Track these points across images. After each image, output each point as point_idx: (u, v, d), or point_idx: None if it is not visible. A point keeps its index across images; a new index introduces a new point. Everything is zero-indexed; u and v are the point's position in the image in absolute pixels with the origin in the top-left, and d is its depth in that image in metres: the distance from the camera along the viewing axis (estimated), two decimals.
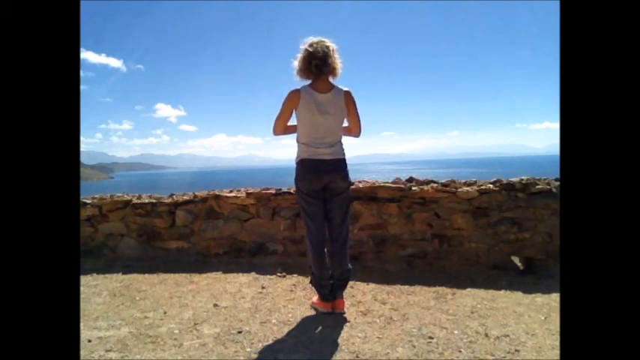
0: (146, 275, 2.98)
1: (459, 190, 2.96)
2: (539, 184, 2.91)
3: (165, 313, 2.23)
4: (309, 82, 2.07)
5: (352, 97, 2.10)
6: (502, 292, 2.49)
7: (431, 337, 1.84)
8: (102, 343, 1.87)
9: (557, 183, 2.94)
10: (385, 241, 3.06)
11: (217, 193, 3.36)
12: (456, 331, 1.91)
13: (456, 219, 2.95)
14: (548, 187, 2.90)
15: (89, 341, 1.88)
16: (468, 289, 2.53)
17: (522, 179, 2.95)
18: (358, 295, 2.44)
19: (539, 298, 2.37)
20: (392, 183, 3.13)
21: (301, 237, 3.14)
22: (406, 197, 3.03)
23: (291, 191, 3.19)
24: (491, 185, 2.99)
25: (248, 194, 3.28)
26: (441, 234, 2.99)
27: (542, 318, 2.08)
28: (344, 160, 2.12)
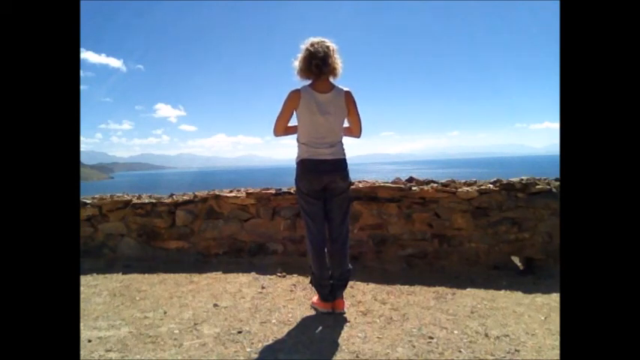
0: (146, 275, 2.98)
1: (459, 190, 2.96)
2: (539, 184, 2.91)
3: (165, 313, 2.23)
4: (309, 82, 2.07)
5: (353, 97, 2.10)
6: (502, 292, 2.49)
7: (431, 337, 1.84)
8: (102, 343, 1.87)
9: (557, 183, 2.94)
10: (385, 241, 3.06)
11: (217, 193, 3.36)
12: (456, 331, 1.91)
13: (456, 219, 2.95)
14: (548, 187, 2.90)
15: (89, 341, 1.88)
16: (468, 289, 2.53)
17: (522, 179, 2.95)
18: (358, 295, 2.44)
19: (539, 298, 2.37)
20: (392, 183, 3.13)
21: (301, 237, 3.14)
22: (406, 197, 3.03)
23: (291, 191, 3.19)
24: (491, 185, 2.99)
25: (248, 194, 3.28)
26: (441, 234, 2.99)
27: (542, 318, 2.08)
28: (344, 160, 2.12)
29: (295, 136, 2.15)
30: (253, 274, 2.91)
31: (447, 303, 2.30)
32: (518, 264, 2.99)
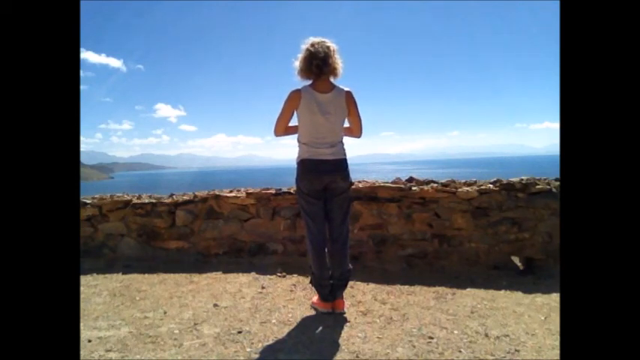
0: (146, 275, 2.98)
1: (459, 190, 2.96)
2: (539, 184, 2.91)
3: (165, 313, 2.23)
4: (309, 82, 2.07)
5: (353, 98, 2.10)
6: (502, 292, 2.49)
7: (431, 337, 1.84)
8: (102, 343, 1.87)
9: (557, 183, 2.94)
10: (385, 241, 3.06)
11: (217, 193, 3.36)
12: (456, 331, 1.91)
13: (456, 219, 2.95)
14: (548, 187, 2.90)
15: (89, 341, 1.88)
16: (468, 289, 2.53)
17: (522, 179, 2.95)
18: (358, 295, 2.44)
19: (539, 298, 2.37)
20: (392, 183, 3.13)
21: (301, 237, 3.14)
22: (406, 197, 3.03)
23: (291, 191, 3.19)
24: (491, 185, 2.99)
25: (248, 194, 3.28)
26: (441, 234, 2.99)
27: (542, 318, 2.08)
28: (345, 160, 2.12)
29: (296, 136, 2.15)
30: (253, 274, 2.91)
31: (447, 303, 2.30)
32: (518, 264, 2.99)
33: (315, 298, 2.23)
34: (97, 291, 2.67)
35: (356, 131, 2.21)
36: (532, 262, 2.91)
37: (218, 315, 2.18)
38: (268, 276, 2.86)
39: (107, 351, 1.79)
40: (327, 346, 1.78)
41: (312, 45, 2.01)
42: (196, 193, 3.45)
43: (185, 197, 3.42)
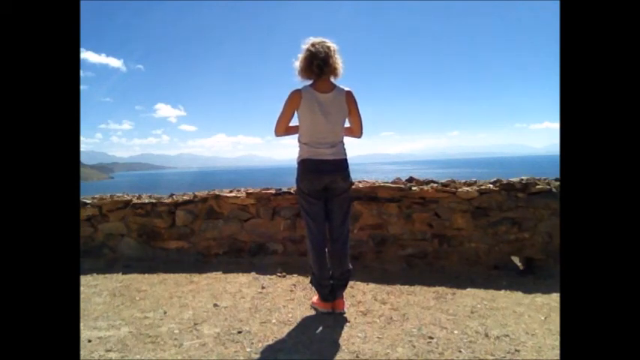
0: (146, 275, 2.98)
1: (459, 190, 2.96)
2: (539, 184, 2.91)
3: (165, 313, 2.23)
4: (310, 82, 2.07)
5: (354, 97, 2.10)
6: (502, 292, 2.49)
7: (431, 337, 1.84)
8: (102, 343, 1.87)
9: (557, 183, 2.94)
10: (385, 241, 3.06)
11: (217, 193, 3.36)
12: (456, 331, 1.91)
13: (456, 219, 2.95)
14: (548, 187, 2.90)
15: (89, 341, 1.88)
16: (468, 289, 2.53)
17: (522, 179, 2.95)
18: (358, 295, 2.44)
19: (539, 298, 2.37)
20: (392, 183, 3.13)
21: (301, 237, 3.14)
22: (406, 197, 3.03)
23: (291, 191, 3.19)
24: (491, 185, 2.99)
25: (248, 194, 3.28)
26: (441, 234, 2.99)
27: (542, 318, 2.08)
28: (345, 160, 2.12)
29: (296, 136, 2.15)
30: (253, 274, 2.91)
31: (447, 303, 2.30)
32: (518, 264, 2.99)
33: (315, 298, 2.23)
34: (97, 291, 2.67)
35: (356, 131, 2.21)
36: (532, 262, 2.91)
37: (218, 315, 2.18)
38: (268, 276, 2.86)
39: (107, 351, 1.79)
40: (327, 346, 1.79)
41: (313, 45, 2.01)
42: (196, 193, 3.45)
43: (185, 197, 3.42)
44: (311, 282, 2.23)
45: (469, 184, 3.08)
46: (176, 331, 1.97)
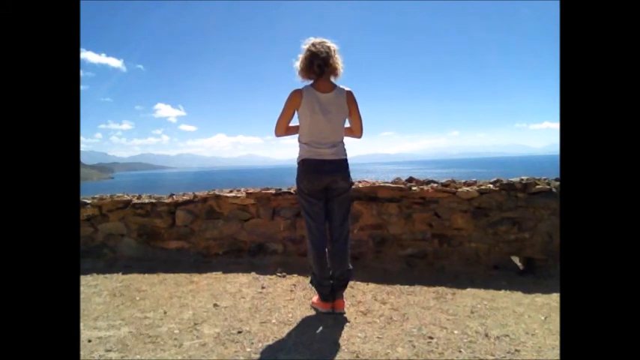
0: (146, 275, 2.98)
1: (459, 190, 2.96)
2: (539, 184, 2.91)
3: (165, 313, 2.23)
4: (310, 82, 2.07)
5: (354, 98, 2.10)
6: (502, 292, 2.49)
7: (431, 337, 1.84)
8: (102, 343, 1.87)
9: (557, 183, 2.94)
10: (385, 241, 3.06)
11: (217, 193, 3.36)
12: (456, 331, 1.91)
13: (456, 219, 2.95)
14: (548, 187, 2.90)
15: (89, 341, 1.88)
16: (468, 289, 2.53)
17: (522, 179, 2.95)
18: (358, 295, 2.44)
19: (539, 298, 2.37)
20: (392, 183, 3.13)
21: (301, 237, 3.14)
22: (406, 197, 3.03)
23: (291, 191, 3.19)
24: (491, 185, 2.99)
25: (248, 194, 3.28)
26: (441, 234, 2.99)
27: (542, 318, 2.08)
28: (346, 160, 2.12)
29: (296, 136, 2.15)
30: (253, 274, 2.91)
31: (447, 303, 2.30)
32: (518, 264, 2.99)
33: (315, 298, 2.23)
34: (97, 291, 2.67)
35: (357, 131, 2.21)
36: (532, 262, 2.91)
37: (218, 315, 2.18)
38: (268, 276, 2.86)
39: (107, 351, 1.79)
40: (327, 346, 1.79)
41: (314, 45, 2.02)
42: (196, 193, 3.45)
43: (185, 197, 3.42)
44: (311, 282, 2.23)
45: (469, 184, 3.08)
46: (176, 331, 1.97)
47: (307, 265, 2.25)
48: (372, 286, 2.61)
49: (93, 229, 3.46)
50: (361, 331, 1.93)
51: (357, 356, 1.69)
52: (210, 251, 3.33)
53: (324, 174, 2.05)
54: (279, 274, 2.88)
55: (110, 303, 2.43)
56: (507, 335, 1.87)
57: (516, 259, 3.00)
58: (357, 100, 2.12)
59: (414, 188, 3.03)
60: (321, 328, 1.97)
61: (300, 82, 2.09)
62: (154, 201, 3.42)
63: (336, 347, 1.77)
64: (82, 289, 2.71)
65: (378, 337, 1.86)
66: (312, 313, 2.19)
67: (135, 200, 3.45)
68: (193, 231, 3.36)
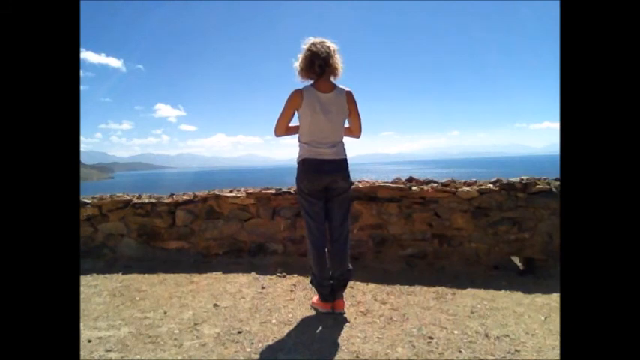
0: (146, 275, 2.98)
1: (459, 190, 2.96)
2: (539, 184, 2.91)
3: (165, 313, 2.23)
4: (309, 82, 2.07)
5: (354, 97, 2.11)
6: (502, 292, 2.49)
7: (431, 337, 1.84)
8: (102, 343, 1.87)
9: (557, 183, 2.94)
10: (385, 241, 3.06)
11: (217, 193, 3.36)
12: (456, 331, 1.91)
13: (456, 219, 2.95)
14: (548, 187, 2.90)
15: (89, 341, 1.88)
16: (468, 289, 2.53)
17: (522, 179, 2.95)
18: (358, 295, 2.44)
19: (539, 298, 2.37)
20: (392, 183, 3.13)
21: (301, 237, 3.14)
22: (406, 197, 3.03)
23: (291, 191, 3.19)
24: (491, 185, 2.99)
25: (248, 194, 3.28)
26: (441, 234, 2.99)
27: (542, 318, 2.08)
28: (345, 160, 2.12)
29: (296, 136, 2.15)
30: (253, 274, 2.91)
31: (447, 303, 2.30)
32: (518, 264, 2.99)
33: (315, 298, 2.23)
34: (97, 291, 2.67)
35: (356, 131, 2.21)
36: (532, 262, 2.91)
37: (218, 315, 2.18)
38: (268, 276, 2.86)
39: (107, 351, 1.79)
40: (327, 346, 1.79)
41: (314, 45, 2.02)
42: (196, 193, 3.45)
43: (185, 197, 3.42)
44: (311, 282, 2.23)
45: (469, 184, 3.08)
46: (176, 331, 1.97)
47: (307, 265, 2.25)
48: (372, 286, 2.61)
49: (93, 229, 3.46)
50: (361, 331, 1.93)
51: (357, 356, 1.69)
52: (210, 251, 3.33)
53: (324, 174, 2.05)
54: (279, 274, 2.88)
55: (110, 303, 2.43)
56: (507, 335, 1.87)
57: (516, 259, 3.00)
58: (357, 100, 2.12)
59: (414, 188, 3.03)
60: (321, 328, 1.97)
61: (300, 82, 2.08)
62: (153, 201, 3.42)
63: (336, 347, 1.77)
64: (82, 289, 2.71)
65: (378, 337, 1.86)
66: (312, 313, 2.19)
67: (135, 200, 3.45)
68: (193, 231, 3.36)
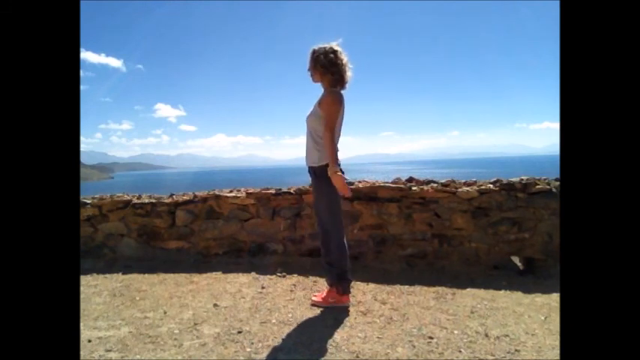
0: (146, 275, 2.98)
1: (459, 190, 2.96)
2: (539, 184, 2.91)
3: (165, 313, 2.23)
4: (318, 83, 2.18)
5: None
6: (502, 292, 2.49)
7: (431, 337, 1.84)
8: (102, 343, 1.87)
9: (557, 183, 2.94)
10: (385, 241, 3.06)
11: (217, 193, 3.36)
12: (456, 331, 1.91)
13: (456, 219, 2.95)
14: (548, 187, 2.90)
15: (89, 341, 1.88)
16: (468, 289, 2.53)
17: (522, 179, 2.95)
18: (358, 295, 2.44)
19: (539, 298, 2.37)
20: (392, 183, 3.13)
21: (301, 237, 3.14)
22: (406, 197, 3.03)
23: (291, 191, 3.20)
24: (491, 185, 2.99)
25: (248, 194, 3.28)
26: (441, 234, 2.99)
27: (542, 318, 2.08)
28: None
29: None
30: (253, 274, 2.91)
31: (447, 303, 2.30)
32: (518, 264, 2.98)
33: (332, 295, 2.24)
34: (97, 291, 2.67)
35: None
36: (532, 262, 2.91)
37: (218, 315, 2.18)
38: (268, 276, 2.86)
39: (107, 351, 1.79)
40: (327, 346, 1.79)
41: (342, 54, 2.07)
42: (196, 193, 3.45)
43: (185, 197, 3.42)
44: (346, 278, 2.21)
45: (469, 184, 3.08)
46: (176, 331, 1.97)
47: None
48: (372, 286, 2.61)
49: (93, 229, 3.46)
50: (361, 331, 1.93)
51: (357, 356, 1.69)
52: (210, 251, 3.33)
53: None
54: (279, 274, 2.88)
55: (110, 303, 2.43)
56: (507, 335, 1.87)
57: (516, 259, 3.00)
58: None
59: (414, 188, 3.03)
60: (321, 328, 1.97)
61: (317, 87, 2.17)
62: (154, 201, 3.42)
63: (336, 347, 1.77)
64: (82, 289, 2.71)
65: (378, 337, 1.86)
66: (312, 313, 2.19)
67: (135, 200, 3.45)
68: (193, 231, 3.36)
